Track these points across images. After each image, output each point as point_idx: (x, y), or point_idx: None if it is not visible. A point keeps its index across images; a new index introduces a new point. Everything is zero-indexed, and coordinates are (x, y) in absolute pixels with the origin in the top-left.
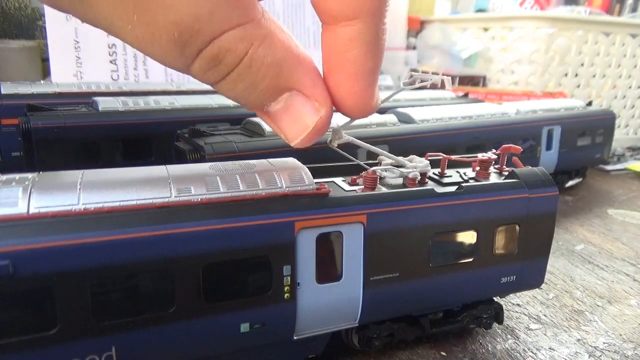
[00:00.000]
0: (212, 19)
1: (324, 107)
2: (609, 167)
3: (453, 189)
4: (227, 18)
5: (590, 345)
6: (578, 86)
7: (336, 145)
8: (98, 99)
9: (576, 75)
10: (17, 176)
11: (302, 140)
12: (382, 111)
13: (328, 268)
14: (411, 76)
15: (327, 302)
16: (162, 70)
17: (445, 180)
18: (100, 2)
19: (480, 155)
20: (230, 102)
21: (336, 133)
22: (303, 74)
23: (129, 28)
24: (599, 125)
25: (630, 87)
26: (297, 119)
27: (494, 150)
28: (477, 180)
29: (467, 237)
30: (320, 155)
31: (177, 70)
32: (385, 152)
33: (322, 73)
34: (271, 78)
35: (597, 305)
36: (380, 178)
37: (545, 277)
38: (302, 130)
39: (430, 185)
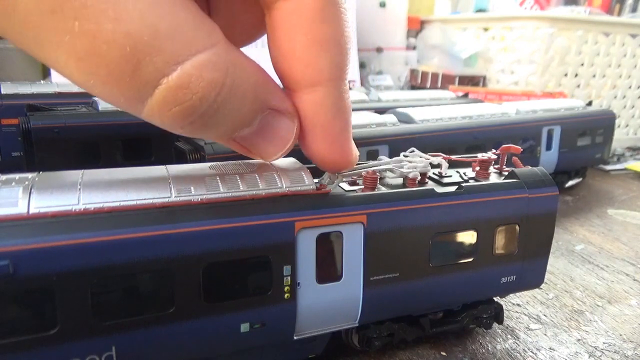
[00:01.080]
0: (176, 38)
1: (295, 116)
2: (609, 167)
3: (453, 189)
4: (193, 38)
5: (590, 345)
6: (578, 86)
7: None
8: (98, 99)
9: (576, 75)
10: (17, 176)
11: (282, 154)
12: (382, 111)
13: (328, 268)
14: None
15: (327, 302)
16: None
17: (445, 180)
18: (25, 8)
19: (480, 155)
20: None
21: (330, 177)
22: (274, 92)
23: (66, 40)
24: (599, 125)
25: (630, 87)
26: (274, 136)
27: (493, 150)
28: (477, 180)
29: (467, 237)
30: None
31: (129, 111)
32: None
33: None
34: (250, 104)
35: (597, 305)
36: (380, 178)
37: (545, 277)
38: (282, 145)
39: (430, 185)
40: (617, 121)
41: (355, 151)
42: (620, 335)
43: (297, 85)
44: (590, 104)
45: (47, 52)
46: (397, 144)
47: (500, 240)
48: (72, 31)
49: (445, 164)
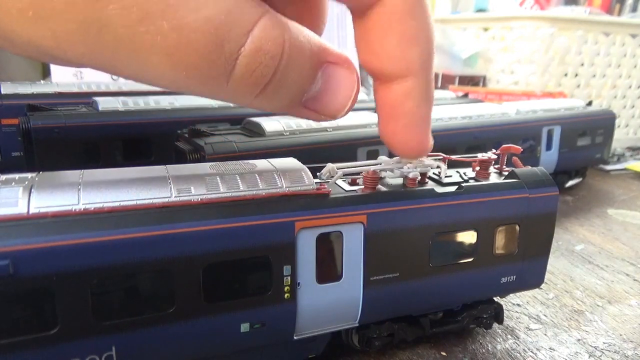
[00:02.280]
0: (242, 12)
1: (352, 67)
2: (609, 167)
3: (453, 189)
4: (253, 8)
5: (590, 345)
6: (578, 86)
7: (334, 181)
8: (98, 99)
9: (576, 75)
10: (17, 176)
11: (348, 107)
12: None
13: (328, 268)
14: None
15: (327, 302)
16: None
17: (445, 180)
18: (115, 23)
19: (480, 155)
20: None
21: (330, 171)
22: (326, 47)
23: (158, 41)
24: (599, 125)
25: (630, 87)
26: (338, 90)
27: (494, 150)
28: (477, 180)
29: (467, 237)
30: (320, 155)
31: (211, 94)
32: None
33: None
34: (309, 58)
35: (597, 305)
36: (380, 178)
37: (545, 277)
38: (347, 97)
39: (430, 185)
40: (617, 121)
41: (431, 140)
42: (620, 335)
43: (388, 77)
44: (590, 104)
45: (142, 59)
46: None
47: (500, 240)
48: (162, 31)
49: (444, 164)
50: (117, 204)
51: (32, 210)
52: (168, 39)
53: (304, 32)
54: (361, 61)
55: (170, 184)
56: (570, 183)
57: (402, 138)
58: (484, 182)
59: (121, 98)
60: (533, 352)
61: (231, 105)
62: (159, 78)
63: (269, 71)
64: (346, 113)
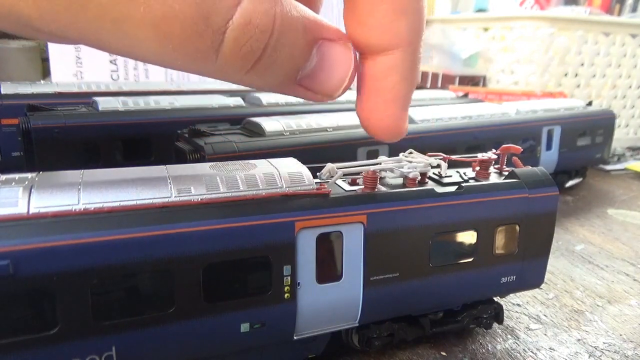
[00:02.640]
0: None
1: (348, 43)
2: (609, 167)
3: (453, 189)
4: None
5: (590, 345)
6: (578, 86)
7: (334, 181)
8: (98, 99)
9: (576, 75)
10: (17, 176)
11: (345, 86)
12: None
13: (328, 268)
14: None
15: (327, 302)
16: (162, 71)
17: (445, 180)
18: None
19: (480, 155)
20: (230, 102)
21: (330, 171)
22: (321, 23)
23: (141, 11)
24: (599, 125)
25: (630, 87)
26: (334, 67)
27: (494, 150)
28: (477, 180)
29: (467, 237)
30: (320, 155)
31: (200, 70)
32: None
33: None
34: (303, 33)
35: (597, 305)
36: (380, 178)
37: (545, 277)
38: (343, 75)
39: (430, 185)
40: (617, 121)
41: (407, 123)
42: (620, 335)
43: (373, 49)
44: (590, 104)
45: (127, 31)
46: (397, 144)
47: (500, 240)
48: (146, 2)
49: (444, 164)
50: (117, 204)
51: (32, 210)
52: (152, 10)
53: (297, 7)
54: (348, 33)
55: (170, 184)
56: (570, 183)
57: (379, 115)
58: (484, 182)
59: (121, 98)
60: (533, 352)
61: (231, 105)
62: (145, 51)
63: (259, 46)
64: (343, 92)
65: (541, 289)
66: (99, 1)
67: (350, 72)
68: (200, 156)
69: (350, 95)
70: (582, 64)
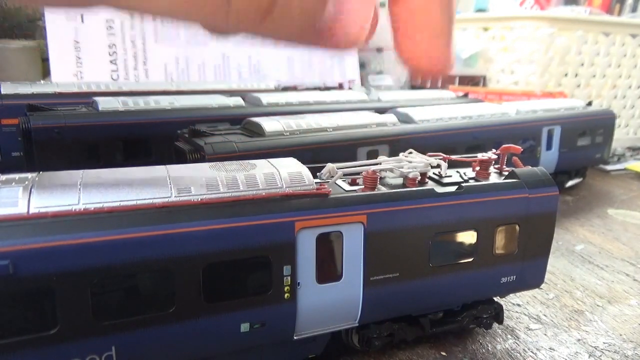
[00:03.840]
0: None
1: None
2: (609, 167)
3: (453, 189)
4: None
5: (590, 345)
6: (578, 86)
7: (334, 181)
8: (98, 99)
9: (576, 75)
10: (17, 176)
11: (366, 37)
12: (382, 111)
13: (328, 268)
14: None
15: (327, 302)
16: (162, 71)
17: (445, 180)
18: None
19: (480, 155)
20: (230, 102)
21: (330, 171)
22: None
23: None
24: (599, 125)
25: (630, 87)
26: (352, 17)
27: (494, 150)
28: (477, 180)
29: (467, 237)
30: (320, 155)
31: (213, 18)
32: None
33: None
34: None
35: (597, 305)
36: (380, 178)
37: (545, 277)
38: (363, 23)
39: (430, 185)
40: (617, 121)
41: (454, 60)
42: (620, 335)
43: None
44: (590, 104)
45: None
46: (397, 144)
47: (500, 240)
48: None
49: (444, 164)
50: (117, 204)
51: (32, 210)
52: None
53: None
54: None
55: (170, 184)
56: (570, 183)
57: (424, 50)
58: (484, 182)
59: (121, 98)
60: (533, 352)
61: (231, 105)
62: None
63: None
64: (364, 44)
65: (541, 289)
66: None
67: (369, 20)
68: (200, 156)
69: (351, 95)
70: (582, 64)
